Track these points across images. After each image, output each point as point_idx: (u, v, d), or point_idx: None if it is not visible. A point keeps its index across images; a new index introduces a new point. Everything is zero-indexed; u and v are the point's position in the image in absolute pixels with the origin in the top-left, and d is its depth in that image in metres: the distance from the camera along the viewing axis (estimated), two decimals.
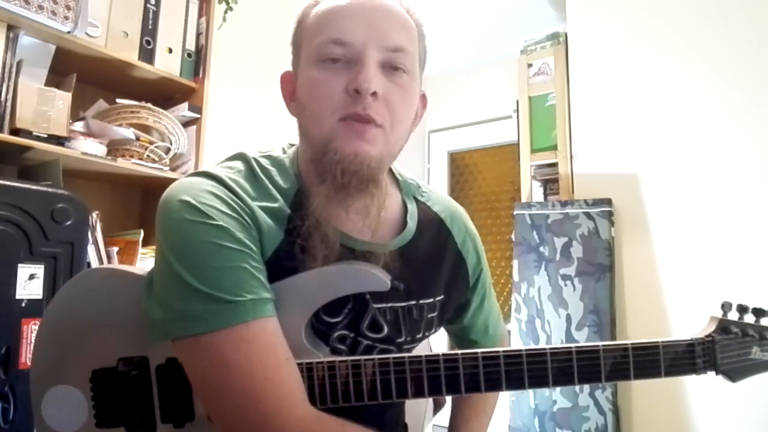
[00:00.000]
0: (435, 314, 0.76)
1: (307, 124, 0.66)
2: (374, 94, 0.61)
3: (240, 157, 0.70)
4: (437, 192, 0.84)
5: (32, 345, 1.06)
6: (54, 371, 0.69)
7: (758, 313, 0.73)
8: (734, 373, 0.71)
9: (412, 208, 0.76)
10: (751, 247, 1.65)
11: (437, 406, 1.00)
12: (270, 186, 0.66)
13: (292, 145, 0.75)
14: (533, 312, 1.97)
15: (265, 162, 0.69)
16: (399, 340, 0.72)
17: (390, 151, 0.66)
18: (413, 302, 0.73)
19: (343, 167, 0.61)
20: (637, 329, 1.83)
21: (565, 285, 1.91)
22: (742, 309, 0.73)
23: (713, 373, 0.71)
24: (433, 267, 0.76)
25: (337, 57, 0.62)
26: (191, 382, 0.60)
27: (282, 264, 0.63)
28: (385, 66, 0.63)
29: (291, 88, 0.70)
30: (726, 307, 0.73)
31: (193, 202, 0.59)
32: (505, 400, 1.96)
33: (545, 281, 1.96)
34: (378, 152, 0.63)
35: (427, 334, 0.77)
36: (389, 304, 0.70)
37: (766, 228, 1.63)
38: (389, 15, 0.65)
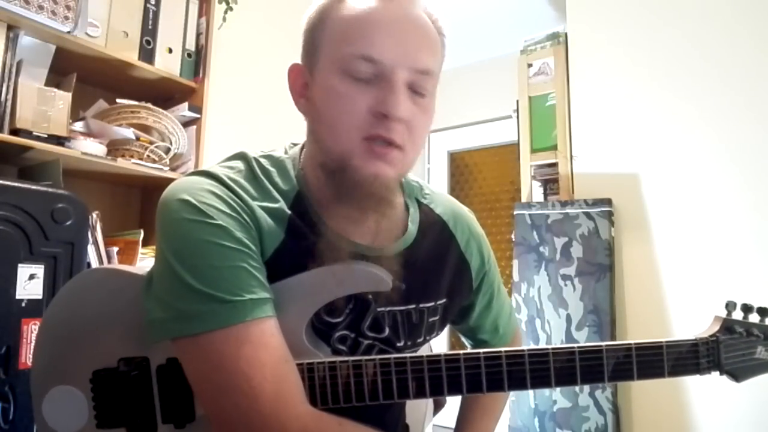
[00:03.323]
0: (437, 318, 0.76)
1: (323, 132, 0.64)
2: (400, 119, 0.60)
3: (240, 156, 0.69)
4: (441, 193, 0.83)
5: (33, 345, 1.06)
6: (55, 371, 0.68)
7: (763, 312, 0.72)
8: (738, 373, 0.70)
9: (413, 211, 0.75)
10: (751, 247, 1.65)
11: (437, 406, 0.99)
12: (270, 187, 0.66)
13: (295, 144, 0.74)
14: (533, 312, 1.97)
15: (265, 162, 0.69)
16: (398, 345, 0.71)
17: (405, 170, 0.66)
18: (413, 306, 0.72)
19: (362, 187, 0.60)
20: (638, 329, 1.83)
21: (565, 285, 1.91)
22: (747, 308, 0.72)
23: (717, 373, 0.70)
24: (435, 270, 0.75)
25: (364, 73, 0.60)
26: (190, 382, 0.59)
27: (282, 264, 0.63)
28: (410, 88, 0.62)
29: (301, 82, 0.67)
30: (730, 306, 0.72)
31: (193, 201, 0.59)
32: None
33: (545, 281, 1.96)
34: (396, 173, 0.63)
35: (428, 338, 0.76)
36: (388, 308, 0.69)
37: (765, 228, 1.64)
38: (420, 30, 0.63)
